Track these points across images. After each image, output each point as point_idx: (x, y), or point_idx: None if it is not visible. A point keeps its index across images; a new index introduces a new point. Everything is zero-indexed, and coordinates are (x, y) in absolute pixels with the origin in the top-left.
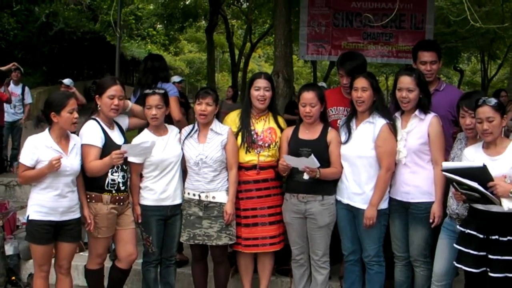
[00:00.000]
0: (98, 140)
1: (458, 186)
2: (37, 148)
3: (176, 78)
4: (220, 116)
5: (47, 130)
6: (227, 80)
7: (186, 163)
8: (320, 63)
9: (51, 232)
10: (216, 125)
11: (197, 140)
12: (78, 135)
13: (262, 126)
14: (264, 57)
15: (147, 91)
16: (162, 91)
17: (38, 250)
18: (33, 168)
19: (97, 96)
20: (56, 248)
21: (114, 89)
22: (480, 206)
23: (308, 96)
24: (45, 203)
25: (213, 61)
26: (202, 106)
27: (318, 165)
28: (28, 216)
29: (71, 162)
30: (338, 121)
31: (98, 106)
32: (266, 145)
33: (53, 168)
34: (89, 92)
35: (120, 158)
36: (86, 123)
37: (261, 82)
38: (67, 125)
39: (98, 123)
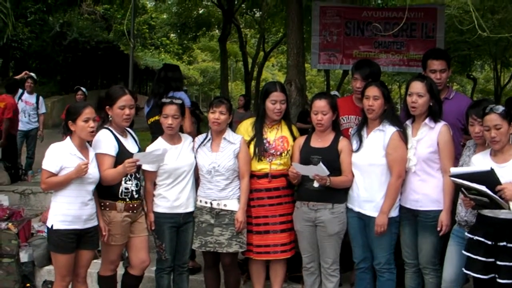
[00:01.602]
0: (111, 149)
1: (466, 192)
2: (61, 155)
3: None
4: (232, 125)
5: (68, 138)
6: (240, 89)
7: (199, 171)
8: (334, 72)
9: (75, 241)
10: (229, 134)
11: (210, 148)
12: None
13: (275, 134)
14: (278, 66)
15: (165, 100)
16: (180, 102)
17: (62, 259)
18: (57, 174)
19: (107, 107)
20: (76, 256)
21: (124, 99)
22: (488, 213)
23: (320, 104)
24: (70, 212)
25: (226, 70)
26: (216, 115)
27: (328, 172)
28: (52, 226)
29: (93, 170)
30: (350, 129)
31: (110, 116)
32: (278, 153)
33: (81, 173)
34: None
35: (133, 167)
36: (99, 132)
37: (277, 95)
38: (83, 134)
39: (111, 132)
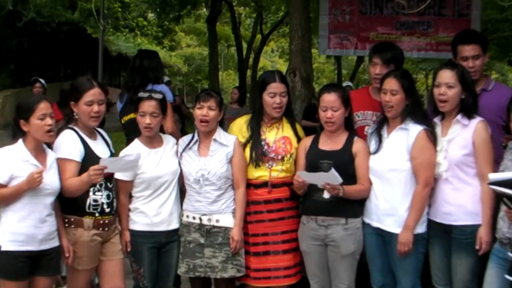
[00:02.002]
0: (76, 153)
1: (510, 203)
2: (10, 162)
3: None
4: (224, 124)
5: (20, 141)
6: (233, 79)
7: (185, 180)
8: (346, 58)
9: (28, 265)
10: (220, 134)
11: (198, 152)
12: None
13: (275, 135)
14: (278, 51)
15: (142, 94)
16: (160, 96)
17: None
18: (6, 185)
19: (72, 102)
20: (30, 284)
21: (92, 94)
22: None
23: (330, 98)
24: (22, 230)
25: (216, 57)
26: (204, 111)
27: (341, 180)
28: (0, 247)
29: (51, 179)
30: (366, 128)
31: (75, 113)
32: (279, 157)
33: (34, 183)
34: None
35: (98, 175)
36: (61, 133)
37: (276, 87)
38: (38, 135)
39: (76, 132)
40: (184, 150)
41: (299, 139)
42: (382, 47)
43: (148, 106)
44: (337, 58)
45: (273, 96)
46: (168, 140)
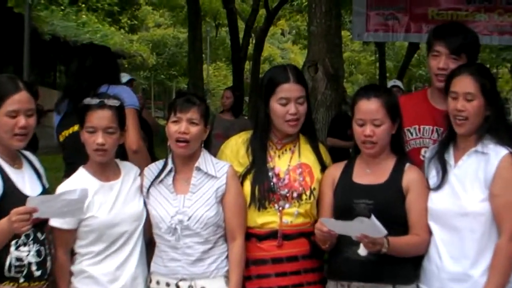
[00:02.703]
0: None
1: None
2: None
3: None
4: (211, 144)
5: None
6: (224, 76)
7: (154, 229)
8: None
9: None
10: (205, 160)
11: (173, 188)
12: None
13: (288, 161)
14: (292, 34)
15: (90, 100)
16: (117, 103)
17: None
18: None
19: None
20: None
21: (17, 100)
22: None
23: (369, 107)
24: None
25: (200, 42)
26: (182, 126)
27: (385, 231)
28: None
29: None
30: (423, 150)
31: None
32: (295, 195)
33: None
34: None
35: (25, 222)
36: None
37: (290, 90)
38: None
39: None
40: (152, 184)
41: (323, 168)
42: (447, 30)
43: (100, 118)
44: (379, 45)
45: (286, 104)
46: (129, 170)
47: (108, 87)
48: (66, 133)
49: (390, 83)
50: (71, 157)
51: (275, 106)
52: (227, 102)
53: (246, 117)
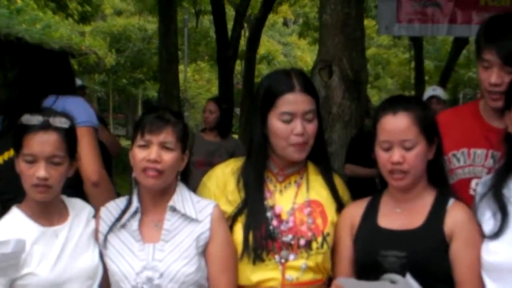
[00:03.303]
0: None
1: None
2: None
3: None
4: (189, 175)
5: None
6: (207, 80)
7: (113, 287)
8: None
9: None
10: (182, 197)
11: (139, 234)
12: None
13: (293, 198)
14: (298, 24)
15: (27, 119)
16: (66, 124)
17: None
18: None
19: None
20: None
21: None
22: None
23: (396, 124)
24: None
25: (175, 35)
26: (152, 152)
27: None
28: None
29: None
30: (473, 182)
31: None
32: (302, 243)
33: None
34: None
35: None
36: None
37: (294, 102)
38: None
39: None
40: (111, 229)
41: (340, 206)
42: (500, 28)
43: (43, 143)
44: (415, 39)
45: (290, 120)
46: (79, 210)
47: (55, 98)
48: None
49: (428, 92)
50: (7, 191)
51: (276, 123)
52: (211, 118)
53: (236, 138)
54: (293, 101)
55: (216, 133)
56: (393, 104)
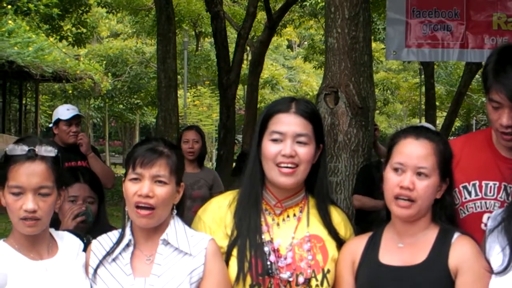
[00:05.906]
0: None
1: None
2: None
3: (61, 112)
4: (184, 210)
5: None
6: (208, 106)
7: None
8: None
9: None
10: (176, 230)
11: (130, 268)
12: None
13: (292, 232)
14: (303, 47)
15: (12, 149)
16: (52, 153)
17: None
18: None
19: None
20: None
21: None
22: None
23: (416, 149)
24: None
25: (173, 59)
26: (144, 187)
27: None
28: None
29: None
30: (485, 217)
31: None
32: (301, 280)
33: None
34: None
35: None
36: None
37: (286, 123)
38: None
39: None
40: (102, 262)
41: (340, 242)
42: (507, 59)
43: (29, 174)
44: (425, 63)
45: (280, 141)
46: (69, 243)
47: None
48: None
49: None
50: None
51: (265, 143)
52: (197, 147)
53: (211, 168)
54: (285, 122)
55: (196, 164)
56: (417, 130)
